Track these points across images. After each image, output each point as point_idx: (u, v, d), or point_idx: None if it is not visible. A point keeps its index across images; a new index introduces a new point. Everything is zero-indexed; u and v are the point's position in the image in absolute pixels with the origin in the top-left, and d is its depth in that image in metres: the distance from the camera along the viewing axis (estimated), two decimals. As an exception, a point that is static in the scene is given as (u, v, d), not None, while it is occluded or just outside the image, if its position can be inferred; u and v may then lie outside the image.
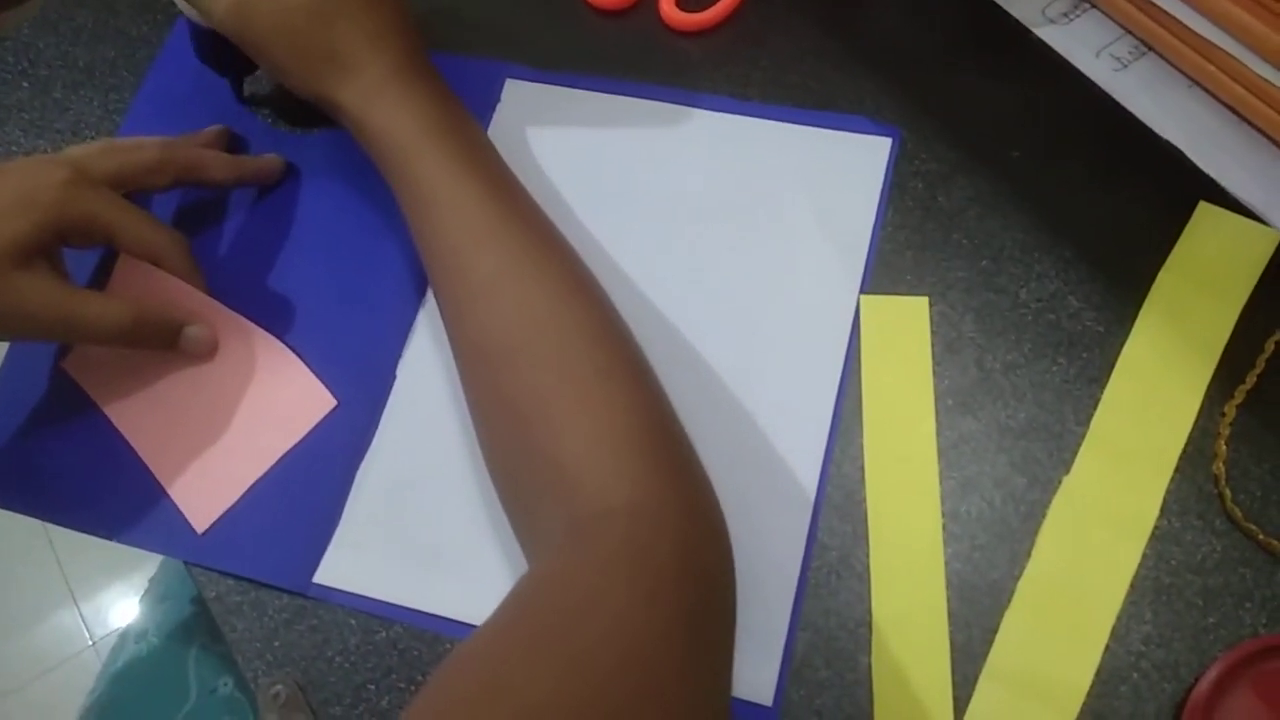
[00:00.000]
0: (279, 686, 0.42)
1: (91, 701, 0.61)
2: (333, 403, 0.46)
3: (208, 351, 0.47)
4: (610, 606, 0.31)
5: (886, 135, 0.49)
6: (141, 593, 0.68)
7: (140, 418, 0.47)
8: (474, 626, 0.42)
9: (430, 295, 0.48)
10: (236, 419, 0.47)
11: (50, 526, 0.45)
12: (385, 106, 0.43)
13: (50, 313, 0.42)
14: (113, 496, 0.46)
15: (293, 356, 0.47)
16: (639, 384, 0.39)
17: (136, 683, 0.60)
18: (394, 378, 0.47)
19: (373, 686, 0.42)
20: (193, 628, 0.61)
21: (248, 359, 0.47)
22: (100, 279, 0.47)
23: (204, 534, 0.45)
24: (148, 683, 0.60)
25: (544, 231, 0.42)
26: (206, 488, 0.45)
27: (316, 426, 0.46)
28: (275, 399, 0.47)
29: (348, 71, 0.43)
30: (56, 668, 1.39)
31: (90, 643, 1.40)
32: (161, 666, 0.60)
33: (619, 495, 0.35)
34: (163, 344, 0.46)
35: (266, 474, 0.45)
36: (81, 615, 1.41)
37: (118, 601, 1.41)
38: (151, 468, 0.46)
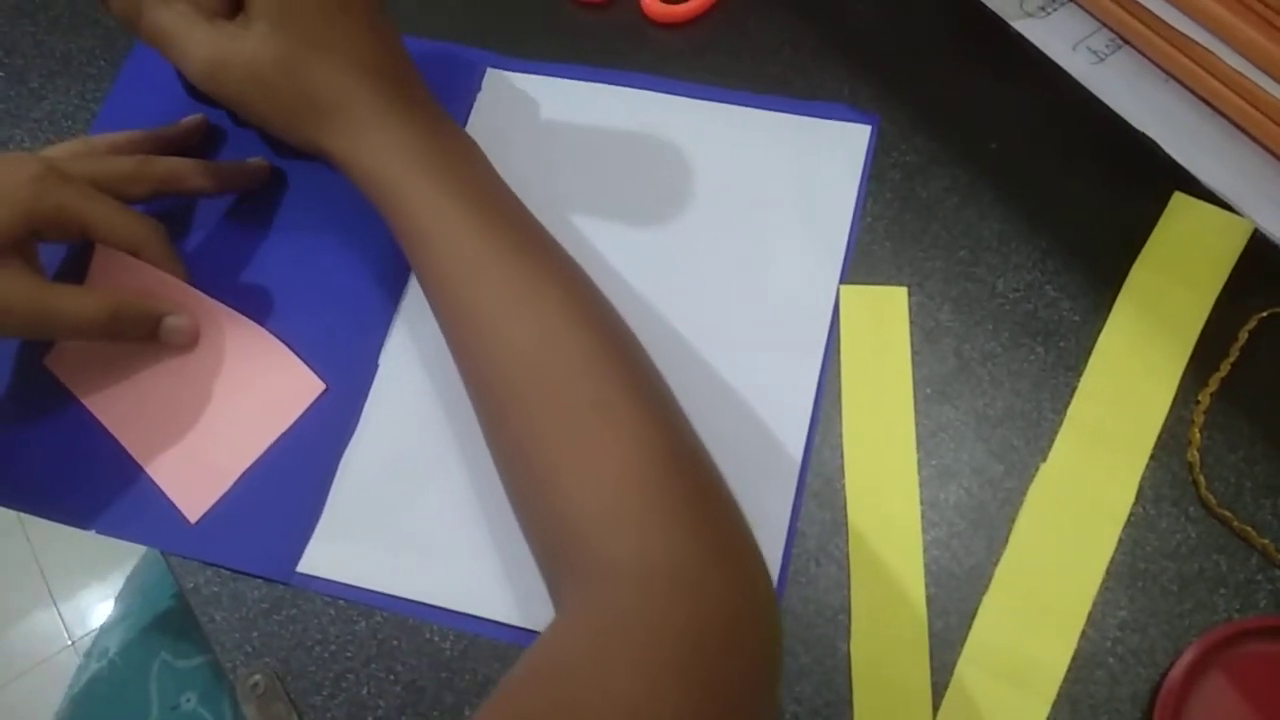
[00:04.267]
0: (257, 676, 0.42)
1: None
2: (321, 387, 0.46)
3: (189, 341, 0.47)
4: (607, 685, 0.27)
5: (866, 123, 0.49)
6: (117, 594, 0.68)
7: (126, 412, 0.47)
8: (454, 613, 0.42)
9: (412, 284, 0.48)
10: (225, 407, 0.46)
11: (28, 526, 0.45)
12: (370, 147, 0.41)
13: (26, 308, 0.41)
14: (100, 490, 0.45)
15: (278, 342, 0.47)
16: (646, 417, 0.35)
17: (98, 702, 0.59)
18: (376, 367, 0.47)
19: (352, 676, 0.42)
20: (155, 643, 0.60)
21: (232, 346, 0.47)
22: (77, 271, 0.47)
23: (194, 525, 0.44)
24: (109, 702, 0.59)
25: (541, 257, 0.40)
26: (198, 477, 0.45)
27: (303, 414, 0.46)
28: (263, 385, 0.46)
29: (328, 117, 0.41)
30: (35, 668, 1.38)
31: (69, 642, 1.39)
32: (123, 684, 0.59)
33: (625, 549, 0.31)
34: (143, 335, 0.45)
35: (253, 464, 0.45)
36: (60, 615, 1.40)
37: (96, 601, 1.40)
38: (139, 460, 0.46)
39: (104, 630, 0.64)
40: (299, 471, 0.45)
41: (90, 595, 1.41)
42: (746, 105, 0.50)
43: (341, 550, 0.44)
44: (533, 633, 0.42)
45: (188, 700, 0.57)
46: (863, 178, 0.48)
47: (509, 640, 0.42)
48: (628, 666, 0.28)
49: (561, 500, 0.33)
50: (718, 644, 0.29)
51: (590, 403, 0.35)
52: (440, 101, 0.45)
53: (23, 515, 0.45)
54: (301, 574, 0.43)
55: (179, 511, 0.45)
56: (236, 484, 0.45)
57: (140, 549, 0.67)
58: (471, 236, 0.39)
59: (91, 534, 0.45)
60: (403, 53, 0.44)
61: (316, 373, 0.46)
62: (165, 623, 0.61)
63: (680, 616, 0.29)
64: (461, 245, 0.39)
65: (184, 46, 0.41)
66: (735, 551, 0.33)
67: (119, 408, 0.47)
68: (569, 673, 0.28)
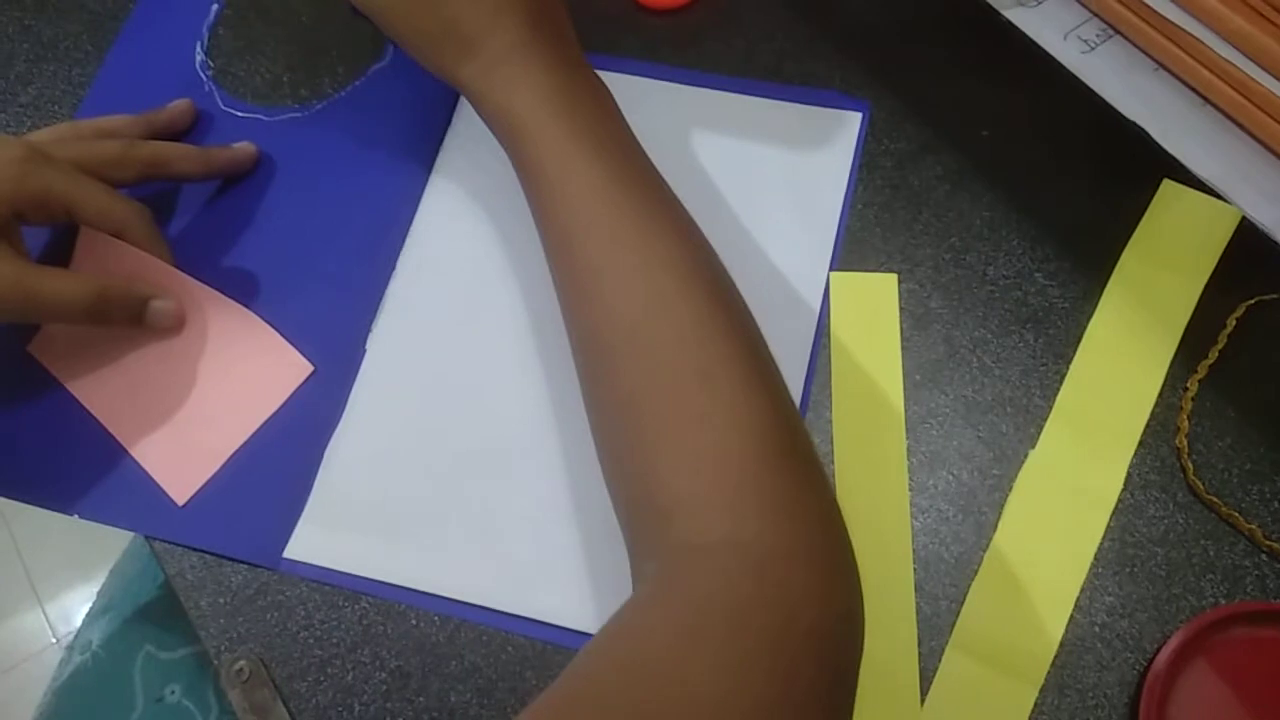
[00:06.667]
0: (242, 662, 0.42)
1: (36, 716, 0.60)
2: (309, 368, 0.46)
3: (175, 325, 0.46)
4: (685, 674, 0.26)
5: (856, 109, 0.49)
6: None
7: (112, 396, 0.46)
8: (440, 598, 0.42)
9: (400, 268, 0.48)
10: (212, 390, 0.46)
11: (12, 521, 0.44)
12: (502, 83, 0.40)
13: (10, 291, 0.41)
14: (85, 474, 0.45)
15: (264, 325, 0.46)
16: (750, 394, 0.34)
17: (81, 695, 0.59)
18: (364, 351, 0.46)
19: (338, 662, 0.42)
20: (139, 635, 0.60)
21: (218, 329, 0.47)
22: (62, 254, 0.46)
23: (179, 510, 0.44)
24: (92, 694, 0.58)
25: (660, 215, 0.38)
26: (185, 460, 0.45)
27: (289, 398, 0.45)
28: (250, 367, 0.46)
29: (467, 47, 0.40)
30: (18, 665, 1.37)
31: (54, 640, 1.38)
32: (106, 676, 0.58)
33: (717, 529, 0.30)
34: (128, 319, 0.45)
35: (240, 448, 0.45)
36: (44, 612, 1.39)
37: (81, 598, 1.39)
38: (126, 445, 0.45)
39: (87, 622, 0.64)
40: (286, 455, 0.45)
41: (75, 593, 1.40)
42: (738, 92, 0.50)
43: (328, 536, 0.43)
44: (518, 618, 0.41)
45: (172, 693, 0.57)
46: (854, 165, 0.48)
47: (495, 625, 0.42)
48: (707, 650, 0.27)
49: (655, 473, 0.32)
50: (801, 634, 0.28)
51: (698, 369, 0.34)
52: (426, 93, 0.44)
53: (6, 512, 0.45)
54: (288, 560, 0.43)
55: (165, 496, 0.44)
56: (223, 467, 0.44)
57: (124, 544, 0.66)
58: (590, 183, 0.38)
59: (77, 529, 0.45)
60: None
61: (304, 355, 0.46)
62: (149, 614, 0.61)
63: (764, 605, 0.28)
64: (579, 191, 0.38)
65: None
66: (828, 546, 0.31)
67: (104, 392, 0.46)
68: (648, 664, 0.27)
